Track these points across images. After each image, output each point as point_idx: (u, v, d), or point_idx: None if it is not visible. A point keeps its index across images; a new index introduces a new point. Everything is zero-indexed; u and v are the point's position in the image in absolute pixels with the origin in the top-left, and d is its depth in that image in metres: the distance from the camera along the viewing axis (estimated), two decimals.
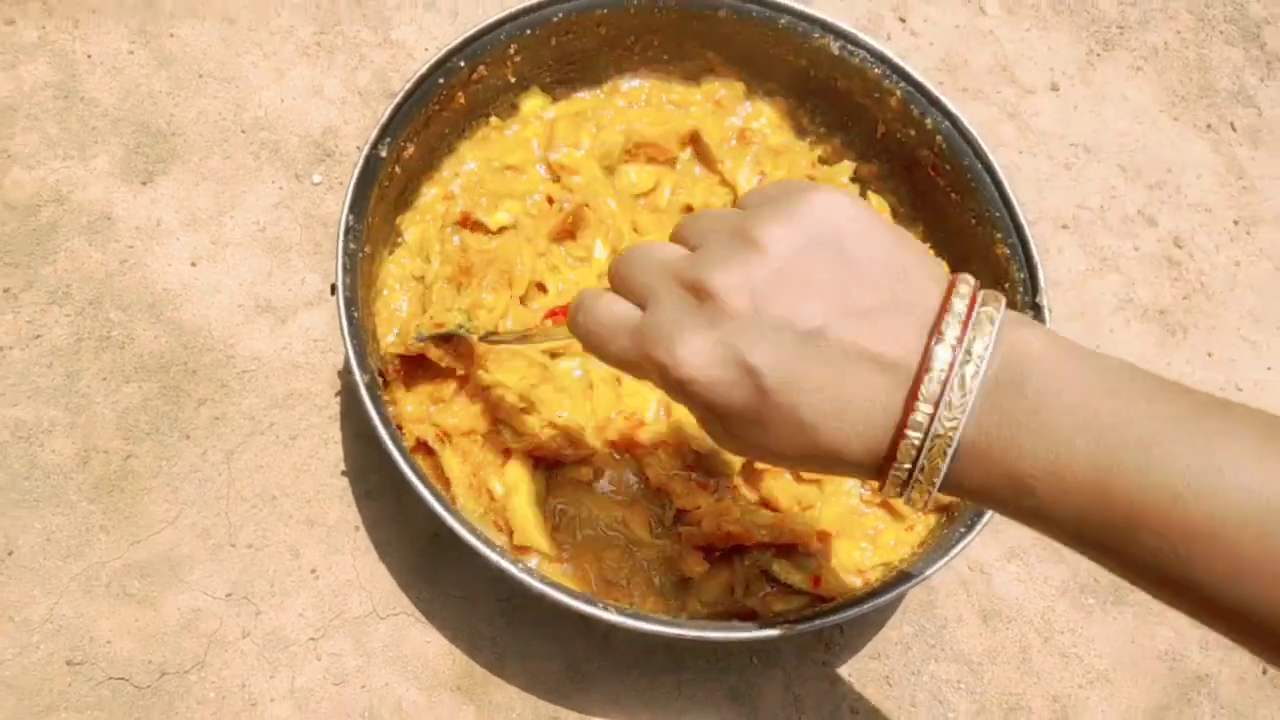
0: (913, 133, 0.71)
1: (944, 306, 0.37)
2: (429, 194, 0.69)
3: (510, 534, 0.60)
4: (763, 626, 0.57)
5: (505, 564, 0.54)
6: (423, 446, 0.61)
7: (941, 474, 0.37)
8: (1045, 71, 0.90)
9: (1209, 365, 0.82)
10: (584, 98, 0.74)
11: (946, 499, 0.62)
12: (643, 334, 0.40)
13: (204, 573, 0.63)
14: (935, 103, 0.70)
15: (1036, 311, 0.65)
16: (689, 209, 0.71)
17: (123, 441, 0.65)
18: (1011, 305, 0.66)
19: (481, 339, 0.60)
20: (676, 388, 0.39)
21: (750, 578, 0.62)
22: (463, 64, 0.66)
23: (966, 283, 0.38)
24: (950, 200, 0.70)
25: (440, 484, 0.61)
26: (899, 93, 0.70)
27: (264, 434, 0.67)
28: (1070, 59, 0.91)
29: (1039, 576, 0.72)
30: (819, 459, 0.39)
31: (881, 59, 0.70)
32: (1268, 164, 0.91)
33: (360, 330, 0.58)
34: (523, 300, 0.66)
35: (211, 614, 0.62)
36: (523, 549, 0.60)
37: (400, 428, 0.60)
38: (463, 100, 0.68)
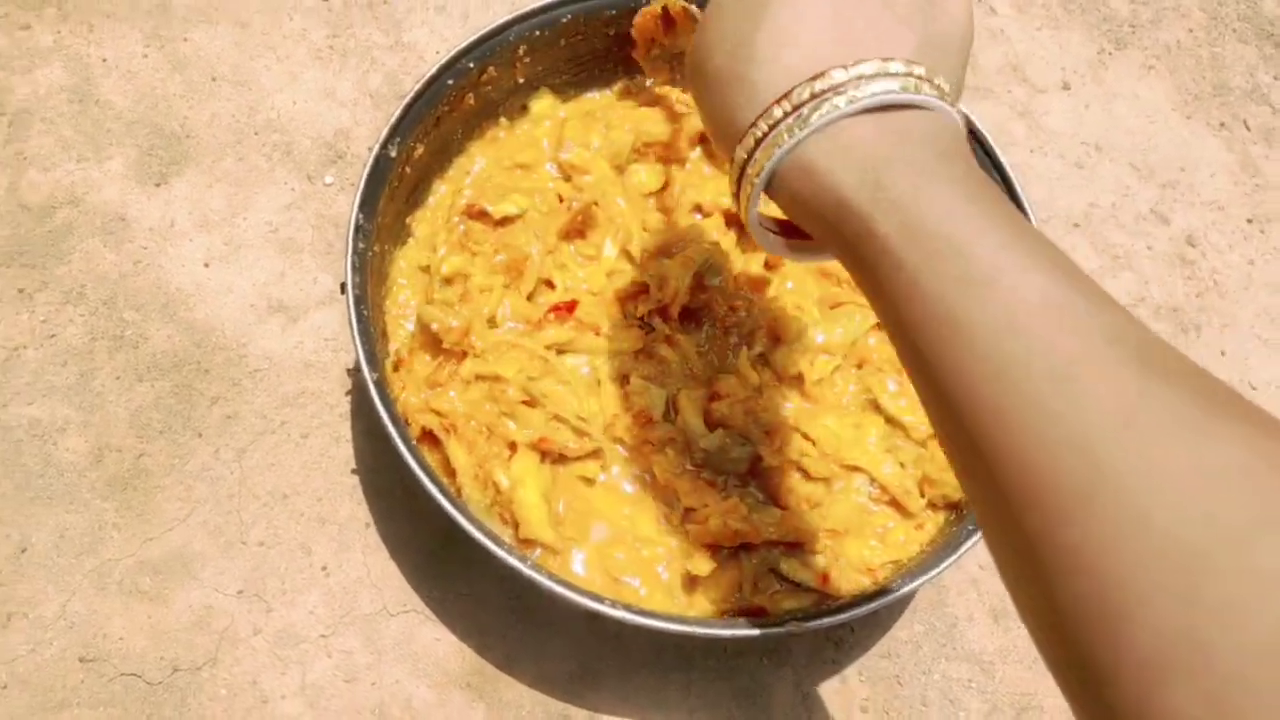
0: None
1: (911, 54, 0.38)
2: (440, 191, 0.69)
3: (515, 527, 0.60)
4: (770, 625, 0.57)
5: (515, 562, 0.54)
6: (429, 437, 0.61)
7: (785, 147, 0.37)
8: (1056, 70, 0.90)
9: (1222, 364, 0.81)
10: (594, 98, 0.75)
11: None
12: None
13: (216, 570, 0.64)
14: None
15: None
16: (699, 208, 0.71)
17: (136, 440, 0.66)
18: None
19: None
20: None
21: (758, 576, 0.62)
22: (471, 65, 0.66)
23: (937, 77, 0.38)
24: None
25: (446, 476, 0.61)
26: None
27: (275, 432, 0.68)
28: (1081, 58, 0.91)
29: None
30: (727, 82, 0.39)
31: None
32: None
33: (370, 328, 0.58)
34: (529, 297, 0.66)
35: (223, 611, 0.63)
36: (528, 542, 0.60)
37: (408, 423, 0.60)
38: (472, 101, 0.68)
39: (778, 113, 0.37)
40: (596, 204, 0.68)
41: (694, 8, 0.63)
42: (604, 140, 0.70)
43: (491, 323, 0.63)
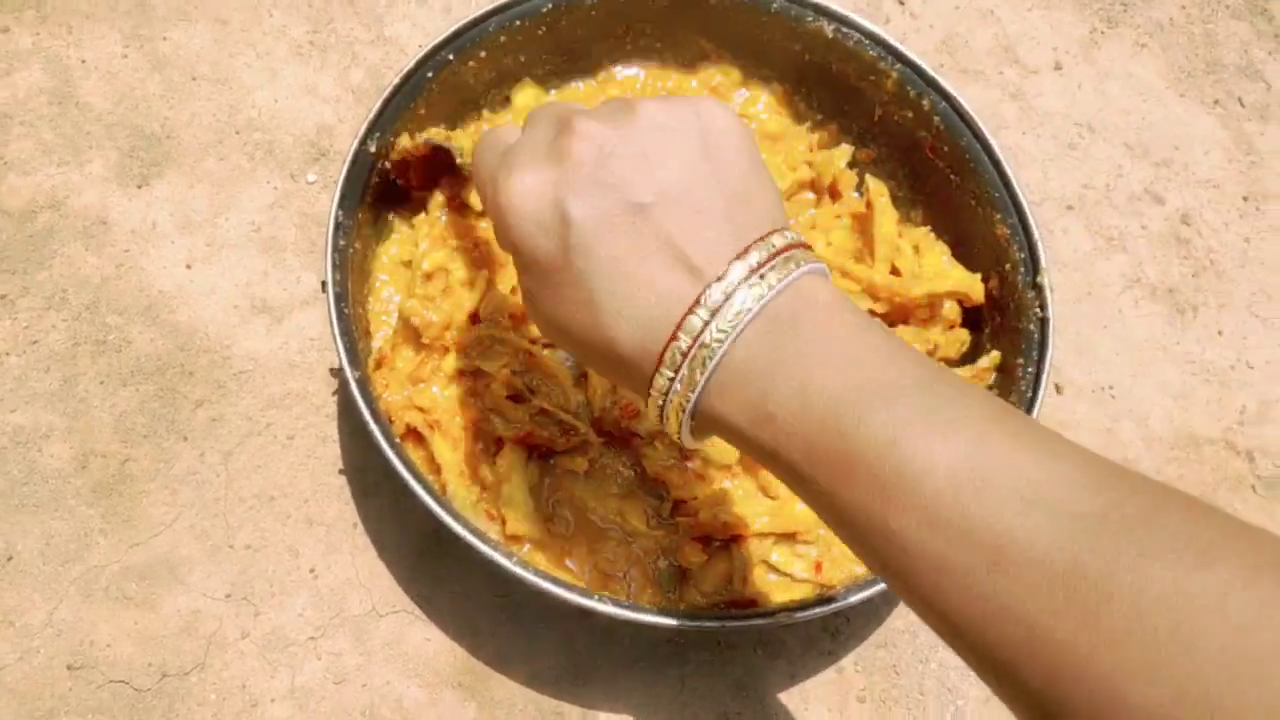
0: (910, 114, 0.70)
1: (763, 237, 0.37)
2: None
3: (503, 523, 0.60)
4: (762, 615, 0.56)
5: (501, 559, 0.53)
6: (413, 434, 0.61)
7: (699, 387, 0.36)
8: (1048, 51, 0.89)
9: (1220, 343, 0.80)
10: (578, 88, 0.74)
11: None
12: (503, 156, 0.40)
13: (203, 574, 0.63)
14: (932, 83, 0.69)
15: (1038, 292, 0.64)
16: None
17: (121, 445, 0.65)
18: (1012, 286, 0.66)
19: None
20: (494, 214, 0.39)
21: (750, 567, 0.61)
22: (451, 57, 0.65)
23: (795, 233, 0.38)
24: (949, 181, 0.70)
25: (431, 473, 0.60)
26: (895, 74, 0.69)
27: (261, 434, 0.67)
28: (1073, 38, 0.90)
29: None
30: (596, 345, 0.38)
31: (876, 41, 0.69)
32: (1277, 139, 0.89)
33: (351, 326, 0.58)
34: (514, 290, 0.65)
35: (211, 615, 0.62)
36: (516, 538, 0.59)
37: (392, 421, 0.59)
38: (453, 93, 0.68)
39: (661, 382, 0.37)
40: None
41: (434, 137, 0.63)
42: None
43: (474, 318, 0.63)
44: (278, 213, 0.73)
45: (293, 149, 0.75)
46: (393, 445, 0.55)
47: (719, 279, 0.36)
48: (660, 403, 0.38)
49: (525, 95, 0.72)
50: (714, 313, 0.36)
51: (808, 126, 0.75)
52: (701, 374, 0.36)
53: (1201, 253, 0.84)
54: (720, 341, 0.36)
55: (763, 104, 0.74)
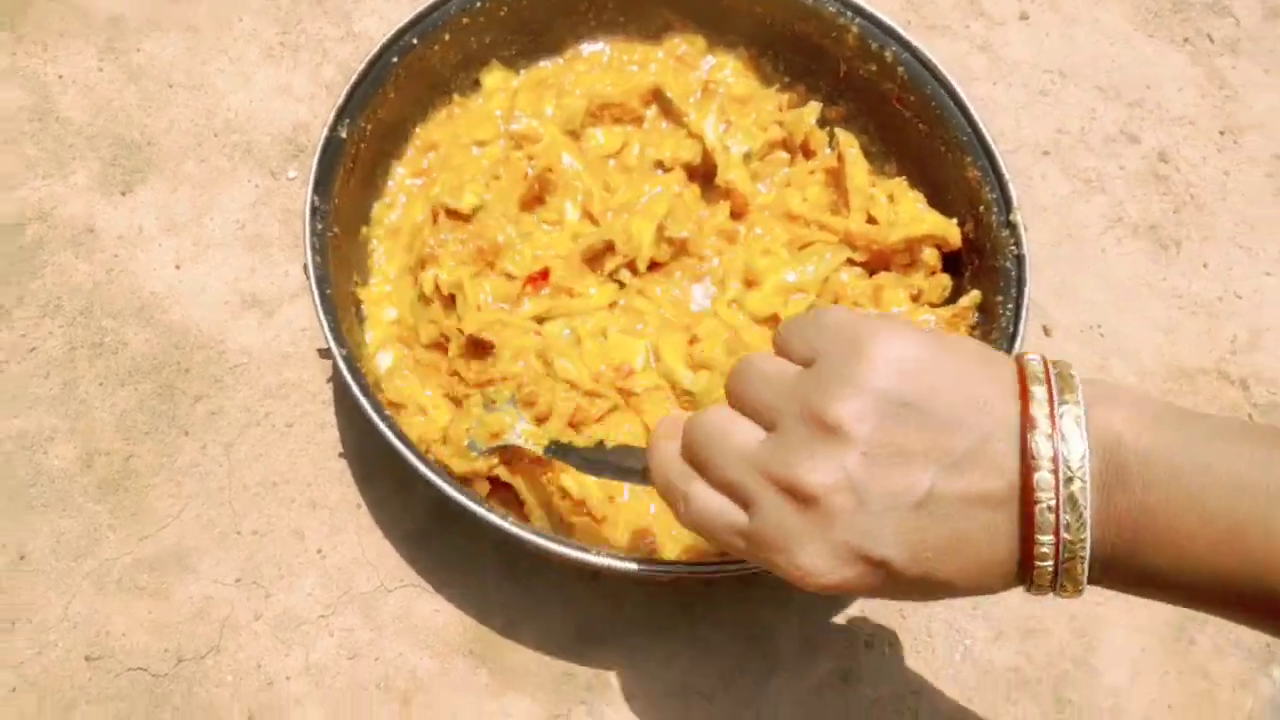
0: (874, 68, 0.71)
1: (1026, 422, 0.37)
2: (398, 174, 0.70)
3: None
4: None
5: (500, 521, 0.54)
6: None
7: (1082, 581, 0.38)
8: (1013, 1, 0.90)
9: (1205, 276, 0.81)
10: (546, 66, 0.75)
11: None
12: (755, 540, 0.40)
13: (212, 561, 0.64)
14: (893, 34, 0.70)
15: (1012, 229, 0.65)
16: (659, 164, 0.72)
17: (123, 442, 0.67)
18: (987, 227, 0.67)
19: (547, 451, 0.59)
20: (803, 584, 0.39)
21: None
22: (415, 41, 0.66)
23: (1037, 380, 0.38)
24: (919, 131, 0.70)
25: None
26: (855, 28, 0.70)
27: (260, 424, 0.68)
28: None
29: None
30: (966, 590, 0.39)
31: None
32: (1249, 71, 0.90)
33: (334, 306, 0.59)
34: (509, 276, 0.66)
35: (223, 600, 0.63)
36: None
37: (384, 394, 0.60)
38: (420, 77, 0.69)
39: (1044, 571, 0.38)
40: (550, 169, 0.68)
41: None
42: (556, 107, 0.71)
43: (481, 309, 0.64)
44: (260, 210, 0.74)
45: (271, 147, 0.76)
46: (384, 418, 0.56)
47: (1035, 503, 0.37)
48: (1047, 581, 0.39)
49: (494, 77, 0.73)
50: (1055, 532, 0.37)
51: (776, 88, 0.76)
52: (1081, 569, 0.37)
53: (1181, 188, 0.84)
54: (1081, 547, 0.37)
55: (729, 70, 0.75)
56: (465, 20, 0.69)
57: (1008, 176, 0.66)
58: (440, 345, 0.64)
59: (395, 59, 0.66)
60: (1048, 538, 0.37)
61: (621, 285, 0.67)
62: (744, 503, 0.40)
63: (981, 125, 0.67)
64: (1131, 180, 0.84)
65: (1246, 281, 0.81)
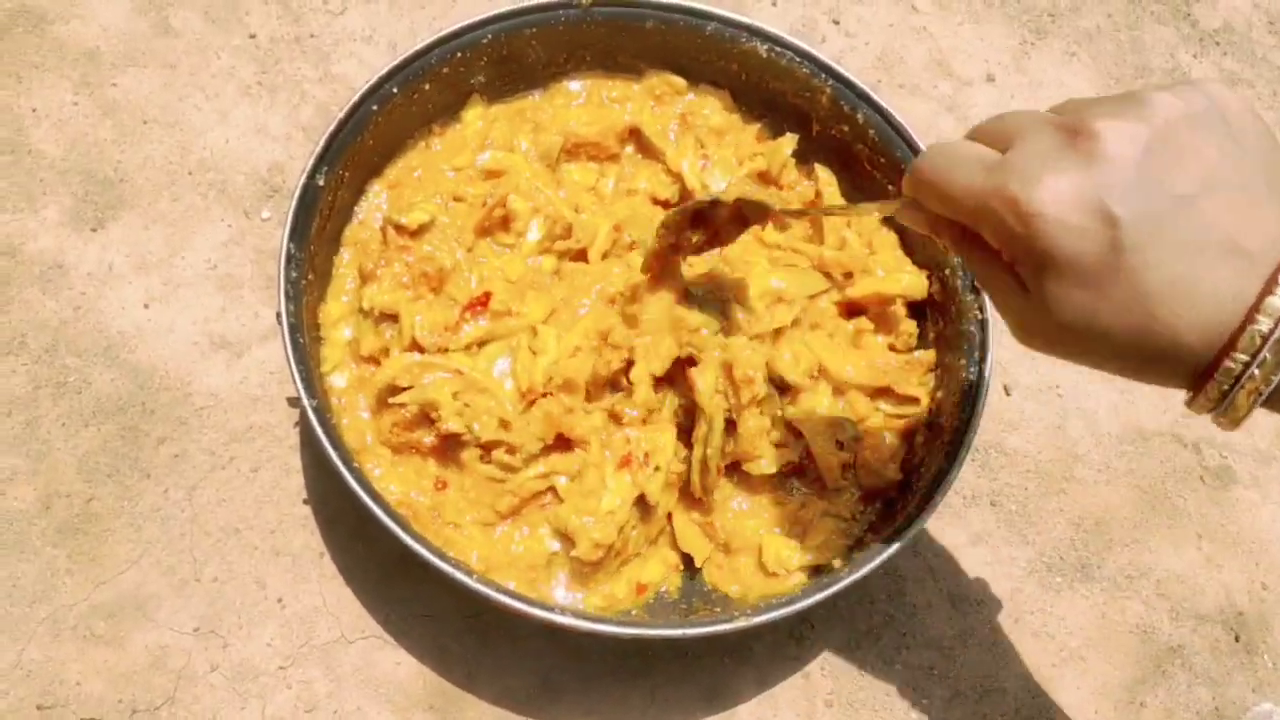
0: (846, 129, 0.72)
1: None
2: (374, 189, 0.70)
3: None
4: (724, 621, 0.57)
5: (465, 578, 0.54)
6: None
7: (1246, 411, 0.37)
8: (980, 64, 0.92)
9: None
10: (529, 98, 0.75)
11: None
12: (1001, 169, 0.39)
13: (170, 609, 0.63)
14: (864, 97, 0.71)
15: (976, 294, 0.66)
16: (633, 193, 0.72)
17: (84, 485, 0.66)
18: (953, 290, 0.68)
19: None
20: (1020, 224, 0.38)
21: None
22: (395, 90, 0.67)
23: None
24: (888, 193, 0.72)
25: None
26: (829, 90, 0.71)
27: (225, 468, 0.68)
28: (1004, 49, 0.92)
29: (1005, 558, 0.73)
30: (1145, 341, 0.38)
31: (809, 59, 0.71)
32: None
33: (306, 355, 0.59)
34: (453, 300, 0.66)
35: (179, 649, 0.62)
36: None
37: (351, 455, 0.60)
38: (399, 124, 0.69)
39: (1233, 367, 0.37)
40: (510, 196, 0.67)
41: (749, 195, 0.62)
42: (532, 142, 0.71)
43: (415, 345, 0.64)
44: (233, 250, 0.74)
45: (245, 187, 0.76)
46: (351, 470, 0.56)
47: None
48: (1225, 387, 0.38)
49: (474, 112, 0.73)
50: None
51: (755, 129, 0.77)
52: None
53: None
54: None
55: (710, 109, 0.76)
56: (445, 70, 0.69)
57: None
58: (374, 359, 0.64)
59: (375, 107, 0.66)
60: (1242, 357, 0.36)
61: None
62: (1008, 144, 0.40)
63: None
64: None
65: None
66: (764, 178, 0.74)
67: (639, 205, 0.72)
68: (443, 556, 0.56)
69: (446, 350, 0.64)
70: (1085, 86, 0.92)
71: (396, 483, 0.62)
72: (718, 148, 0.73)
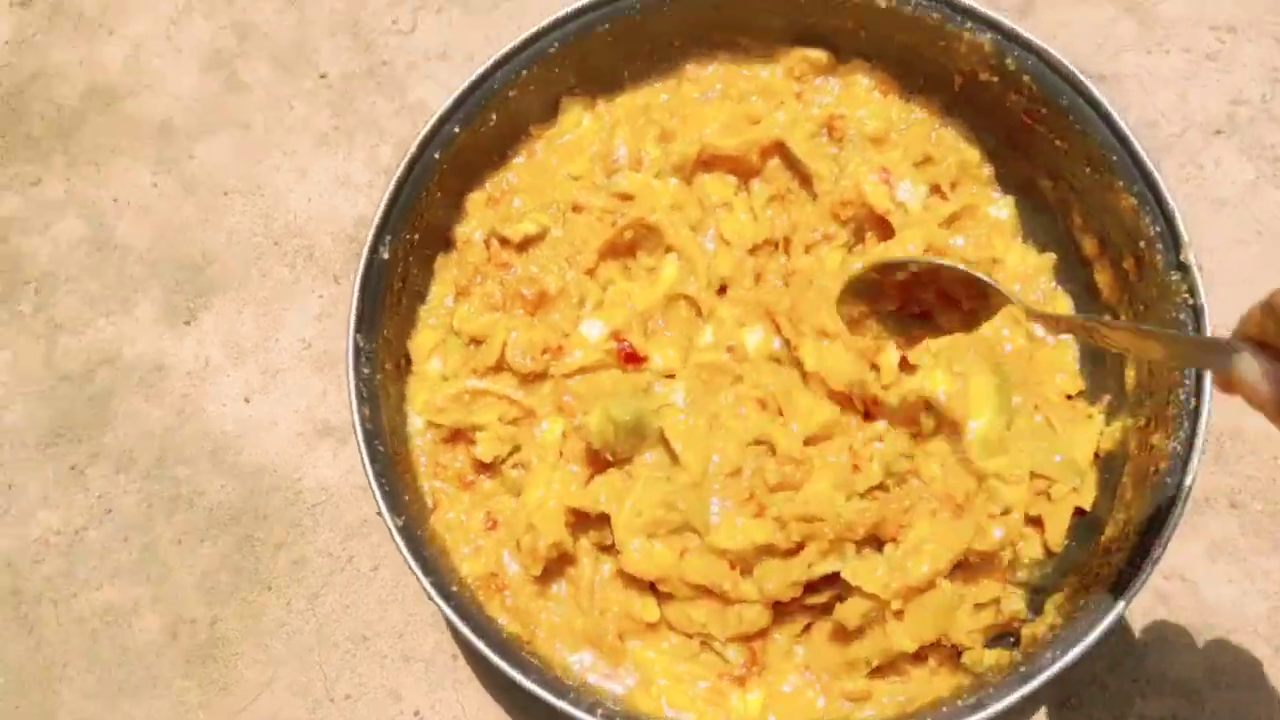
0: (995, 79, 0.59)
1: None
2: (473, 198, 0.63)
3: None
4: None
5: (579, 712, 0.47)
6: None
7: None
8: None
9: None
10: (654, 86, 0.65)
11: None
12: None
13: None
14: (1014, 38, 0.58)
15: (1184, 273, 0.53)
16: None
17: (206, 607, 0.63)
18: (1152, 267, 0.54)
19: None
20: None
21: None
22: (457, 130, 0.58)
23: None
24: (1056, 149, 0.59)
25: None
26: (966, 35, 0.59)
27: (344, 569, 0.63)
28: None
29: (1255, 572, 0.60)
30: None
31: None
32: None
33: (389, 466, 0.52)
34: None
35: None
36: None
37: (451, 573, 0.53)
38: (468, 163, 0.61)
39: None
40: (645, 222, 0.59)
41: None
42: (662, 153, 0.62)
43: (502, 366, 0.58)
44: (326, 324, 0.69)
45: (333, 250, 0.70)
46: (447, 597, 0.49)
47: None
48: None
49: (572, 116, 0.64)
50: None
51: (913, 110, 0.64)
52: None
53: None
54: None
55: (862, 106, 0.64)
56: (512, 94, 0.60)
57: (1173, 206, 0.53)
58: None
59: (437, 154, 0.58)
60: None
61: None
62: None
63: (1134, 140, 0.55)
64: None
65: None
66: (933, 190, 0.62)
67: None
68: (557, 691, 0.49)
69: (547, 374, 0.57)
70: None
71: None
72: (887, 153, 0.62)
